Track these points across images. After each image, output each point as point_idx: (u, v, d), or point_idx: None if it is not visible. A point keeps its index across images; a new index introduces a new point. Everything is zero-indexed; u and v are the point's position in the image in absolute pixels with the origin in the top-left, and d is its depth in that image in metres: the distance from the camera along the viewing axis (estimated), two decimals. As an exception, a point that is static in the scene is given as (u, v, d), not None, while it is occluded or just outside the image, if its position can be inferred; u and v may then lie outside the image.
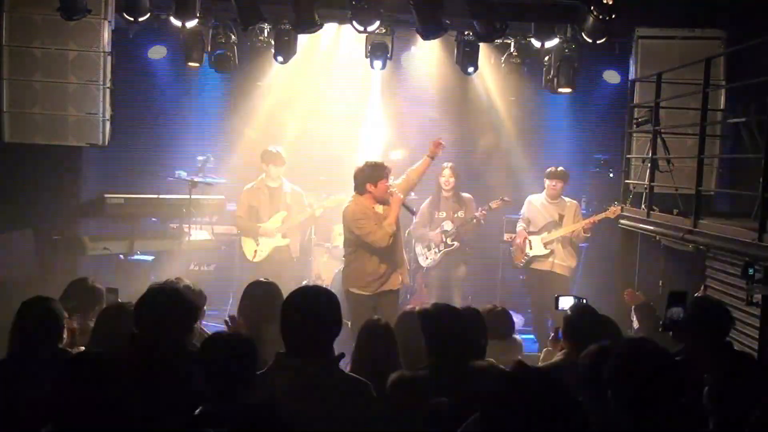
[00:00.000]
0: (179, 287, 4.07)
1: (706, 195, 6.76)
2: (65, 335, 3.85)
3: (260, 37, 8.36)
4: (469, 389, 3.02)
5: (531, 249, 7.92)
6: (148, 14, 7.34)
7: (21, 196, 7.49)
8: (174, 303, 3.45)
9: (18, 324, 3.72)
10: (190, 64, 8.20)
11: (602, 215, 7.71)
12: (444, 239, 8.04)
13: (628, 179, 7.83)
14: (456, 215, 8.06)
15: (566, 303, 4.78)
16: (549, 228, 7.89)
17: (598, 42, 7.26)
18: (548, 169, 7.95)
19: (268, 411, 2.75)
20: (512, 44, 8.38)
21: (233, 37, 8.28)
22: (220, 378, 3.04)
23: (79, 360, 3.02)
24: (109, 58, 7.46)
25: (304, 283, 7.70)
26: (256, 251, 7.90)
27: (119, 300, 4.57)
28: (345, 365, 3.70)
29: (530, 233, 7.95)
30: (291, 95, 9.11)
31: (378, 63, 8.13)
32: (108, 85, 7.50)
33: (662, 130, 6.97)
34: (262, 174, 7.93)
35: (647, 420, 2.68)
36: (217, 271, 8.46)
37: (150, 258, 8.12)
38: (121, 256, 8.02)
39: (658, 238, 6.90)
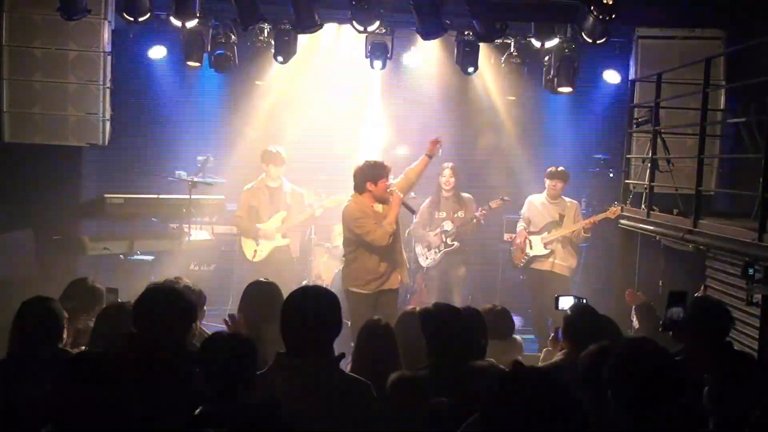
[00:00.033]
0: (177, 287, 4.06)
1: (706, 195, 6.76)
2: (65, 335, 3.85)
3: (260, 37, 8.36)
4: (469, 389, 3.03)
5: (531, 249, 7.92)
6: (148, 14, 7.33)
7: (21, 196, 7.49)
8: (172, 302, 3.44)
9: (18, 324, 3.72)
10: (190, 64, 8.20)
11: (602, 215, 7.71)
12: (444, 239, 8.04)
13: (628, 179, 7.83)
14: (456, 215, 8.06)
15: (566, 303, 4.78)
16: (549, 228, 7.89)
17: (598, 42, 7.26)
18: (548, 169, 7.95)
19: (268, 411, 2.75)
20: (512, 44, 8.38)
21: (233, 37, 8.28)
22: (220, 378, 3.04)
23: (79, 360, 3.02)
24: (109, 58, 7.47)
25: (304, 283, 7.70)
26: (255, 251, 7.90)
27: (119, 300, 4.56)
28: (345, 365, 3.70)
29: (530, 233, 7.96)
30: (291, 95, 9.11)
31: (378, 63, 8.13)
32: (108, 85, 7.51)
33: (662, 130, 6.97)
34: (262, 174, 7.93)
35: (647, 420, 2.68)
36: (217, 271, 8.46)
37: (150, 258, 8.12)
38: (121, 256, 8.02)
39: (658, 238, 6.90)
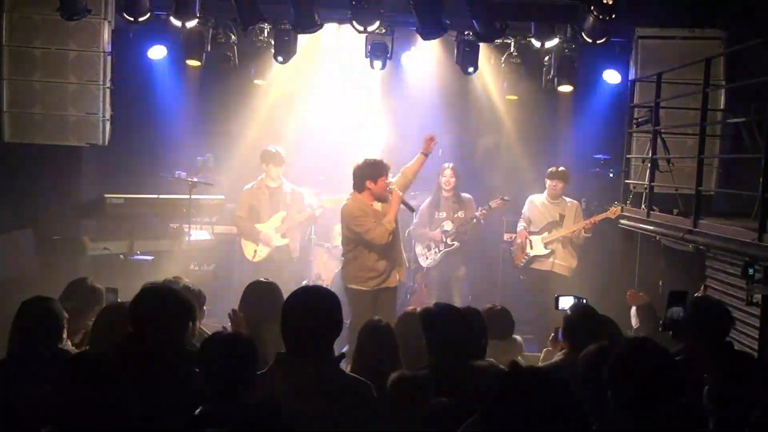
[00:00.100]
0: (173, 286, 4.05)
1: (706, 195, 6.76)
2: (65, 335, 3.85)
3: (260, 37, 8.36)
4: (469, 389, 3.03)
5: (531, 249, 7.93)
6: (148, 14, 7.33)
7: (21, 196, 7.49)
8: (168, 302, 3.44)
9: (18, 324, 3.72)
10: (190, 63, 8.21)
11: (603, 215, 7.71)
12: (444, 239, 8.04)
13: (628, 179, 7.82)
14: (456, 215, 8.07)
15: (566, 303, 4.78)
16: (550, 228, 7.90)
17: (598, 42, 7.26)
18: (549, 169, 7.96)
19: (268, 411, 2.75)
20: (512, 44, 8.38)
21: (233, 37, 8.28)
22: (220, 378, 3.04)
23: (79, 360, 3.02)
24: (109, 58, 7.47)
25: (304, 283, 7.72)
26: (255, 251, 7.91)
27: (119, 300, 4.57)
28: (345, 365, 3.70)
29: (531, 233, 7.96)
30: (291, 95, 9.11)
31: (378, 63, 8.13)
32: (108, 85, 7.50)
33: (662, 130, 6.97)
34: (262, 174, 7.93)
35: (647, 420, 2.68)
36: (217, 271, 8.45)
37: (150, 258, 8.12)
38: (121, 256, 8.01)
39: (658, 238, 6.90)
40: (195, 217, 8.20)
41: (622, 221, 7.56)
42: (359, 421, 3.11)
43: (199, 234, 8.36)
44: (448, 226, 8.05)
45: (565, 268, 7.87)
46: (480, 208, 8.00)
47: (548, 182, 7.93)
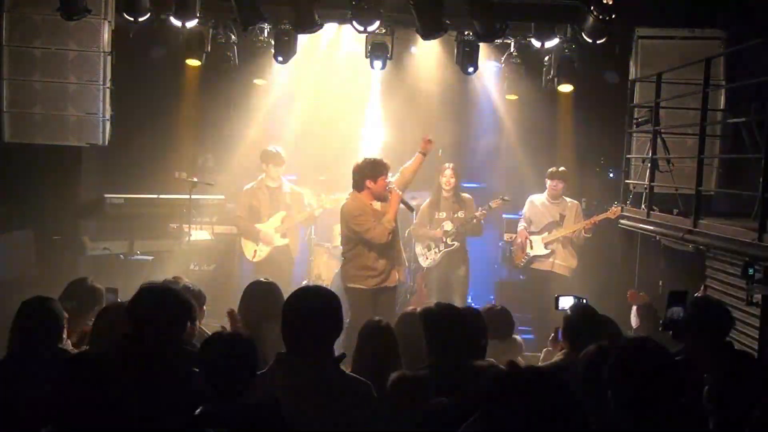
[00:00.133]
0: (171, 286, 4.05)
1: (706, 195, 6.76)
2: (65, 335, 3.85)
3: (260, 37, 8.36)
4: (470, 389, 3.03)
5: (532, 249, 7.93)
6: (148, 14, 7.34)
7: (21, 196, 7.49)
8: (166, 302, 3.44)
9: (18, 324, 3.72)
10: (190, 63, 8.21)
11: (603, 216, 7.72)
12: (444, 239, 8.04)
13: (628, 179, 7.82)
14: (456, 215, 8.06)
15: (566, 303, 4.78)
16: (550, 228, 7.90)
17: (598, 42, 7.26)
18: (549, 170, 7.96)
19: (268, 411, 2.76)
20: (512, 44, 8.38)
21: (233, 37, 8.28)
22: (220, 378, 3.04)
23: (78, 360, 3.02)
24: (109, 58, 7.47)
25: (304, 283, 7.72)
26: (255, 251, 7.91)
27: (119, 300, 4.57)
28: (345, 365, 3.70)
29: (531, 233, 7.96)
30: (291, 95, 9.11)
31: (378, 63, 8.13)
32: (108, 85, 7.51)
33: (662, 130, 6.97)
34: (261, 174, 7.93)
35: (647, 420, 2.68)
36: (217, 271, 8.46)
37: (150, 258, 8.12)
38: (121, 256, 8.02)
39: (658, 238, 6.90)
40: (195, 217, 8.20)
41: (622, 221, 7.56)
42: (359, 421, 3.11)
43: (199, 234, 8.36)
44: (448, 226, 8.04)
45: (565, 268, 7.88)
46: (480, 207, 8.00)
47: (548, 182, 7.94)
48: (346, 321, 5.64)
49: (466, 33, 7.98)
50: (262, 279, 4.88)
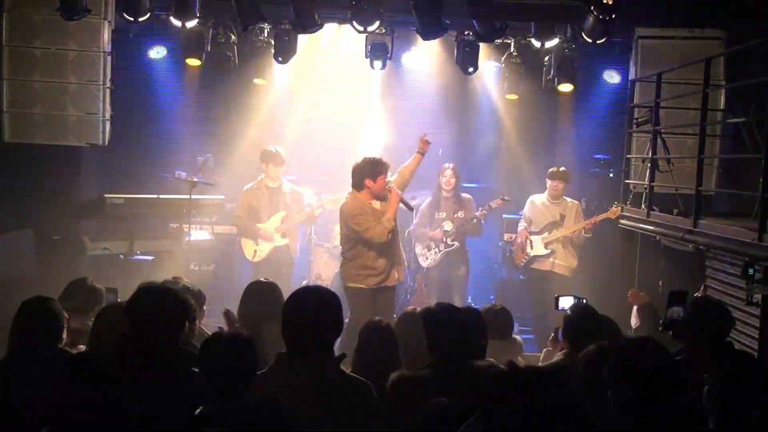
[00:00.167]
0: (169, 285, 4.04)
1: (706, 195, 6.76)
2: (65, 335, 3.85)
3: (260, 37, 8.36)
4: (470, 389, 3.03)
5: (532, 249, 7.93)
6: (148, 14, 7.34)
7: (21, 196, 7.50)
8: (165, 301, 3.43)
9: (18, 324, 3.72)
10: (190, 63, 8.21)
11: (603, 216, 7.71)
12: (444, 239, 8.04)
13: (628, 179, 7.82)
14: (456, 215, 8.06)
15: (566, 303, 4.78)
16: (550, 228, 7.90)
17: (598, 42, 7.27)
18: (550, 170, 7.95)
19: (268, 411, 2.75)
20: (512, 44, 8.38)
21: (233, 37, 8.28)
22: (220, 378, 3.04)
23: (78, 360, 3.02)
24: (109, 58, 7.48)
25: (304, 283, 7.72)
26: (255, 251, 7.90)
27: (119, 300, 4.56)
28: (345, 365, 3.70)
29: (531, 233, 7.96)
30: (291, 95, 9.11)
31: (378, 63, 8.13)
32: (108, 85, 7.51)
33: (662, 130, 6.97)
34: (261, 174, 7.93)
35: (647, 420, 2.68)
36: (217, 271, 8.46)
37: (150, 258, 8.12)
38: (121, 256, 8.02)
39: (658, 238, 6.90)
40: (195, 217, 8.20)
41: (622, 221, 7.56)
42: (359, 421, 3.11)
43: (199, 234, 8.36)
44: (448, 226, 8.04)
45: (565, 268, 7.87)
46: (480, 207, 7.99)
47: (549, 182, 7.93)
48: (346, 321, 5.65)
49: (466, 33, 7.98)
50: (262, 279, 4.89)
